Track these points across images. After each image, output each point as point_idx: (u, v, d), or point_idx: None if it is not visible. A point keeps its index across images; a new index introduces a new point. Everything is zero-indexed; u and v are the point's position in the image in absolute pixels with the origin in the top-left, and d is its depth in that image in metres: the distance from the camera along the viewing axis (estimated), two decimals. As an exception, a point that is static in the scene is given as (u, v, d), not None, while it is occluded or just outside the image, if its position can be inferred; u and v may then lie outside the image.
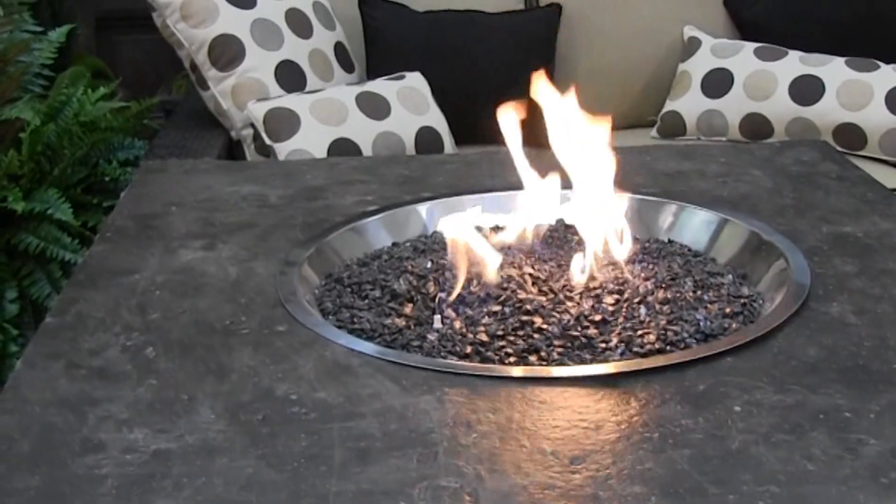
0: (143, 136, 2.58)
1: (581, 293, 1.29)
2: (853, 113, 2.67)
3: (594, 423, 1.04)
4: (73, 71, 2.50)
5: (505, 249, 1.38)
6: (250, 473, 0.96)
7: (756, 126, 2.75)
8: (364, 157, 2.33)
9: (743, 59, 2.80)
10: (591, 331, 1.23)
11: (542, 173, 1.43)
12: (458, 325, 1.26)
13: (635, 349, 1.21)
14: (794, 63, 2.75)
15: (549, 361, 1.19)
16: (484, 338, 1.22)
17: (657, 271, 1.37)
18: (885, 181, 1.83)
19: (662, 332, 1.23)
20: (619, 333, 1.23)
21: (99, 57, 3.39)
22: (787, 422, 1.03)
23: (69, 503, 0.93)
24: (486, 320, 1.25)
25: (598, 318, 1.25)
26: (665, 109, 2.86)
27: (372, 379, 1.13)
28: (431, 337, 1.24)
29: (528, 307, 1.26)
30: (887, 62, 2.73)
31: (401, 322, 1.29)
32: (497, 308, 1.27)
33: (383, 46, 2.84)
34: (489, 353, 1.20)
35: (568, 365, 1.18)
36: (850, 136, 2.67)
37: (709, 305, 1.30)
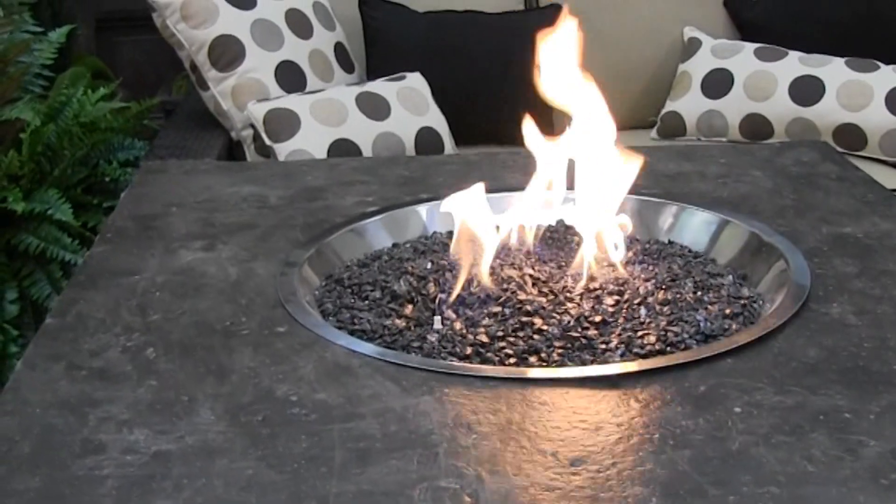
0: (144, 136, 2.58)
1: (581, 294, 1.29)
2: (853, 113, 2.67)
3: (594, 424, 1.04)
4: (73, 71, 2.51)
5: (505, 250, 1.38)
6: (250, 474, 0.96)
7: (756, 127, 2.75)
8: (364, 158, 2.33)
9: (743, 59, 2.80)
10: (592, 332, 1.23)
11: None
12: (458, 326, 1.26)
13: (635, 350, 1.21)
14: (794, 63, 2.75)
15: (549, 362, 1.19)
16: (484, 339, 1.22)
17: (657, 272, 1.37)
18: (885, 182, 1.83)
19: (662, 333, 1.23)
20: (620, 334, 1.23)
21: (99, 57, 3.40)
22: (787, 423, 1.03)
23: (69, 504, 0.93)
24: (486, 321, 1.25)
25: (598, 319, 1.25)
26: (665, 110, 2.86)
27: (372, 380, 1.13)
28: (432, 338, 1.24)
29: (529, 308, 1.26)
30: (887, 62, 2.73)
31: (401, 323, 1.29)
32: (497, 309, 1.27)
33: (383, 47, 2.84)
34: (489, 354, 1.20)
35: (568, 366, 1.18)
36: (851, 136, 2.67)
37: (709, 306, 1.30)
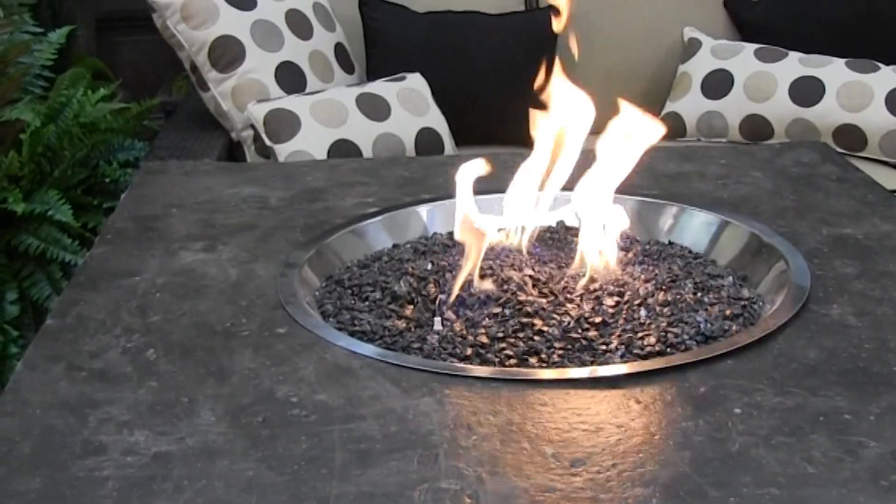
0: (144, 137, 2.58)
1: (581, 295, 1.29)
2: (853, 114, 2.67)
3: (594, 425, 1.04)
4: (73, 72, 2.51)
5: (504, 251, 1.38)
6: (251, 476, 0.96)
7: (756, 127, 2.75)
8: (364, 159, 2.33)
9: (743, 60, 2.80)
10: (592, 333, 1.23)
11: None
12: (458, 327, 1.26)
13: (635, 351, 1.21)
14: (794, 64, 2.75)
15: (549, 364, 1.19)
16: (484, 340, 1.22)
17: (657, 273, 1.37)
18: (885, 182, 1.83)
19: (663, 334, 1.23)
20: (620, 335, 1.23)
21: (99, 58, 3.39)
22: (787, 424, 1.03)
23: (70, 505, 0.93)
24: (486, 322, 1.25)
25: (598, 320, 1.25)
26: (665, 110, 2.86)
27: (372, 381, 1.13)
28: (432, 339, 1.24)
29: (529, 309, 1.26)
30: (888, 63, 2.73)
31: (401, 324, 1.29)
32: (497, 310, 1.27)
33: (383, 47, 2.84)
34: (489, 355, 1.20)
35: (568, 367, 1.18)
36: (851, 137, 2.67)
37: (709, 307, 1.30)
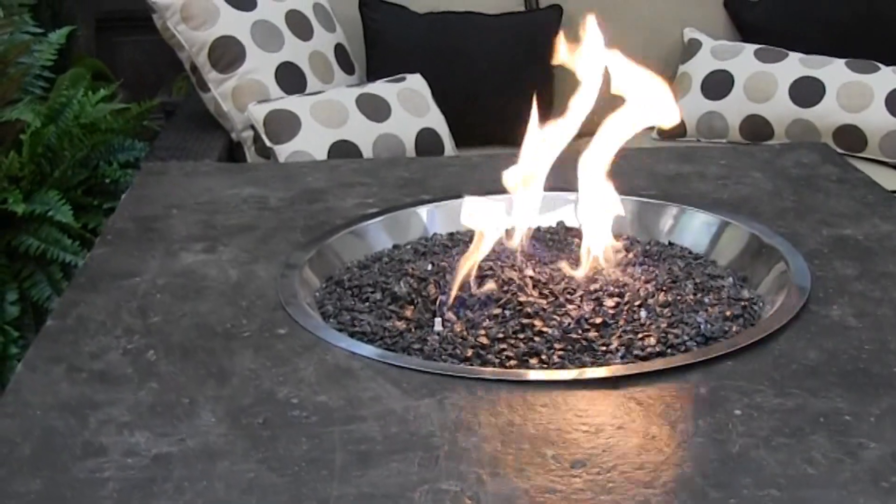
0: (144, 137, 2.58)
1: (581, 296, 1.29)
2: (853, 115, 2.67)
3: (595, 426, 1.04)
4: (73, 72, 2.51)
5: (505, 251, 1.38)
6: (251, 477, 0.96)
7: (756, 128, 2.75)
8: (364, 160, 2.33)
9: (743, 60, 2.80)
10: (592, 334, 1.23)
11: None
12: (458, 327, 1.26)
13: (636, 352, 1.21)
14: (795, 65, 2.75)
15: (549, 364, 1.19)
16: (484, 341, 1.22)
17: (658, 274, 1.37)
18: (885, 183, 1.83)
19: (663, 334, 1.23)
20: (620, 336, 1.23)
21: (99, 58, 3.40)
22: (787, 425, 1.03)
23: (70, 507, 0.93)
24: (486, 323, 1.25)
25: (598, 320, 1.25)
26: (665, 111, 2.86)
27: (373, 382, 1.13)
28: (432, 340, 1.24)
29: (529, 310, 1.26)
30: (888, 63, 2.73)
31: (401, 325, 1.29)
32: (497, 311, 1.27)
33: (383, 48, 2.84)
34: (490, 356, 1.20)
35: (568, 368, 1.18)
36: (851, 137, 2.67)
37: (709, 308, 1.30)
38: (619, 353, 1.21)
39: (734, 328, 1.27)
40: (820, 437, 1.01)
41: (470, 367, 1.19)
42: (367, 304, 1.34)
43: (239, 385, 1.13)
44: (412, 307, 1.32)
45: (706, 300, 1.32)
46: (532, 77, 2.61)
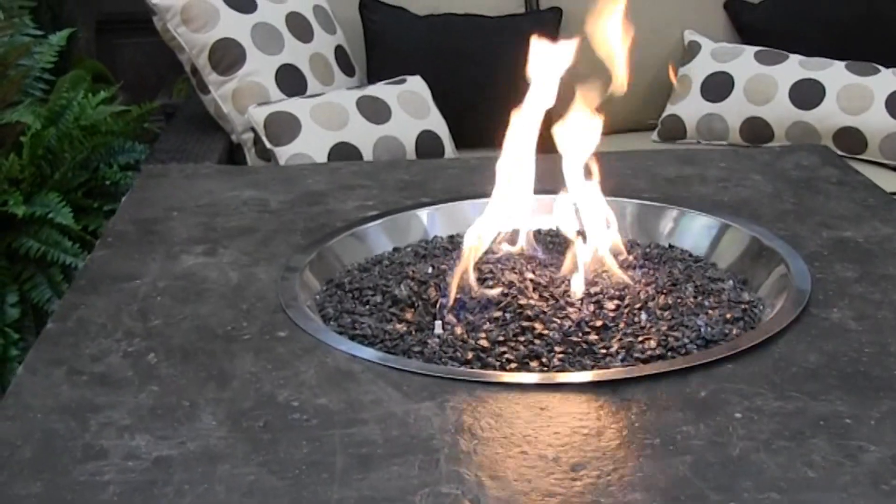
0: (144, 139, 2.58)
1: (582, 299, 1.29)
2: (853, 117, 2.67)
3: (595, 429, 1.04)
4: (73, 74, 2.51)
5: (505, 254, 1.39)
6: (252, 480, 0.96)
7: (756, 130, 2.75)
8: (365, 162, 2.33)
9: (743, 62, 2.80)
10: (592, 336, 1.23)
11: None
12: (458, 330, 1.26)
13: (636, 355, 1.21)
14: (795, 67, 2.75)
15: (549, 367, 1.19)
16: (485, 344, 1.23)
17: (658, 277, 1.37)
18: (885, 185, 1.83)
19: (663, 337, 1.23)
20: (620, 339, 1.23)
21: (99, 60, 3.39)
22: (787, 428, 1.03)
23: (71, 510, 0.93)
24: (487, 326, 1.25)
25: (598, 323, 1.25)
26: (665, 113, 2.86)
27: (373, 385, 1.13)
28: (432, 343, 1.24)
29: (529, 313, 1.26)
30: (888, 64, 2.73)
31: (402, 328, 1.29)
32: (498, 314, 1.27)
33: (384, 50, 2.84)
34: (490, 359, 1.20)
35: (569, 371, 1.18)
36: (851, 139, 2.67)
37: (709, 311, 1.30)
38: (620, 356, 1.21)
39: (734, 331, 1.27)
40: (820, 440, 1.01)
41: (470, 369, 1.19)
42: (367, 306, 1.34)
43: (239, 388, 1.13)
44: (412, 310, 1.32)
45: (706, 303, 1.32)
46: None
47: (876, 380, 1.13)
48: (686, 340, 1.23)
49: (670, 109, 2.85)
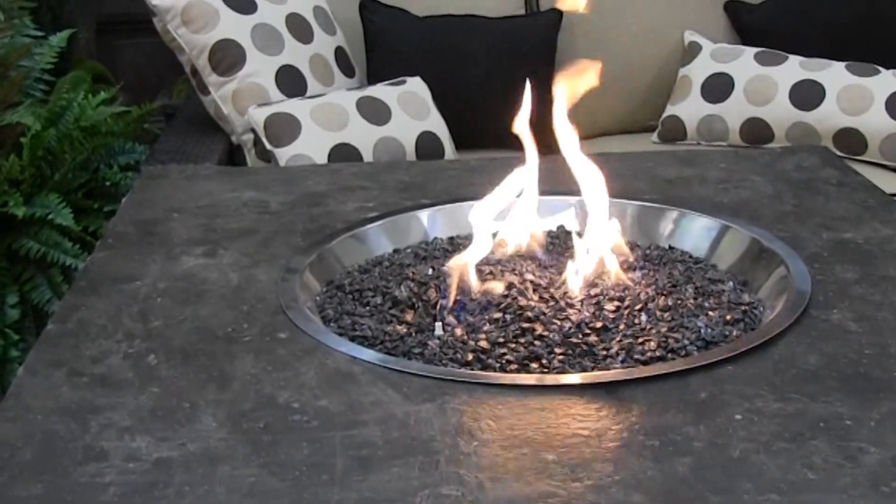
0: (144, 140, 2.58)
1: (582, 300, 1.30)
2: (853, 118, 2.67)
3: (595, 431, 1.04)
4: (73, 75, 2.51)
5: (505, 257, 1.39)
6: (252, 482, 0.96)
7: (756, 131, 2.75)
8: (365, 164, 2.33)
9: (743, 63, 2.80)
10: (592, 338, 1.24)
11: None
12: (459, 332, 1.26)
13: (636, 356, 1.21)
14: (795, 68, 2.75)
15: (550, 369, 1.19)
16: (485, 345, 1.23)
17: (658, 278, 1.37)
18: (885, 186, 1.83)
19: (663, 339, 1.23)
20: (620, 341, 1.23)
21: (100, 61, 3.39)
22: (787, 430, 1.03)
23: (71, 512, 0.93)
24: (487, 327, 1.26)
25: (598, 325, 1.25)
26: (665, 114, 2.86)
27: (373, 386, 1.13)
28: (433, 344, 1.24)
29: (529, 314, 1.26)
30: (888, 66, 2.73)
31: (402, 329, 1.29)
32: (498, 315, 1.27)
33: (384, 51, 2.84)
34: (490, 361, 1.21)
35: (569, 372, 1.18)
36: (851, 140, 2.68)
37: (710, 312, 1.30)
38: (620, 358, 1.21)
39: (734, 332, 1.27)
40: (820, 441, 1.01)
41: (471, 371, 1.19)
42: (367, 308, 1.34)
43: (240, 389, 1.13)
44: (413, 311, 1.32)
45: (706, 304, 1.32)
46: (532, 80, 2.61)
47: (876, 381, 1.13)
48: (686, 342, 1.23)
49: (670, 110, 2.85)
